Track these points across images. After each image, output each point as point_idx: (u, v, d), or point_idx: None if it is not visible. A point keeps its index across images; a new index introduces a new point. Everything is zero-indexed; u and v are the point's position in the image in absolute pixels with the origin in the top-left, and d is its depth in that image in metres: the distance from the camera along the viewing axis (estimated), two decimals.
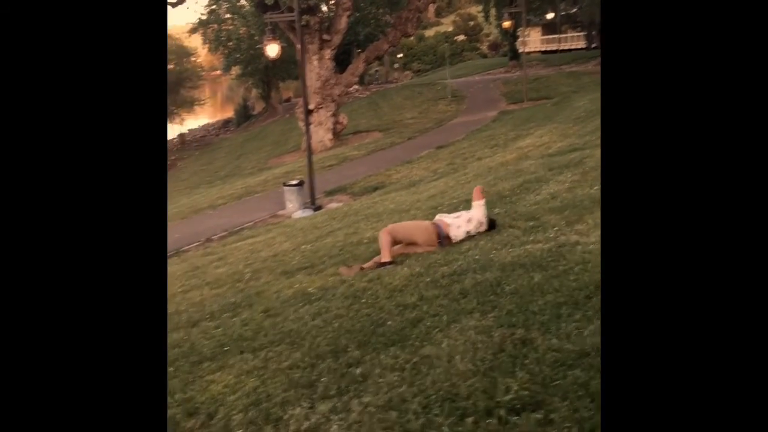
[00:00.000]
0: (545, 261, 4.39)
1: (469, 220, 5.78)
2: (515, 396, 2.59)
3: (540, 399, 2.53)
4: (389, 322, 3.89)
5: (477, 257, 4.92)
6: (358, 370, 3.28)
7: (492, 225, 5.89)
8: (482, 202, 5.84)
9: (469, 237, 5.71)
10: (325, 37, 23.96)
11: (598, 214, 5.41)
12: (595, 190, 6.45)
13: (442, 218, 5.90)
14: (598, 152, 9.36)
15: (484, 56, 69.22)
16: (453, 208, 6.85)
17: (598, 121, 15.04)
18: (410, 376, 3.05)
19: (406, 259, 5.46)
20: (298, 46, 15.09)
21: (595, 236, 4.72)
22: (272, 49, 14.84)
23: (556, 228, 5.28)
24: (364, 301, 4.46)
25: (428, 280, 4.59)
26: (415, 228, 5.83)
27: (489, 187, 8.37)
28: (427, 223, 5.91)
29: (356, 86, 36.62)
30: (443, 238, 5.69)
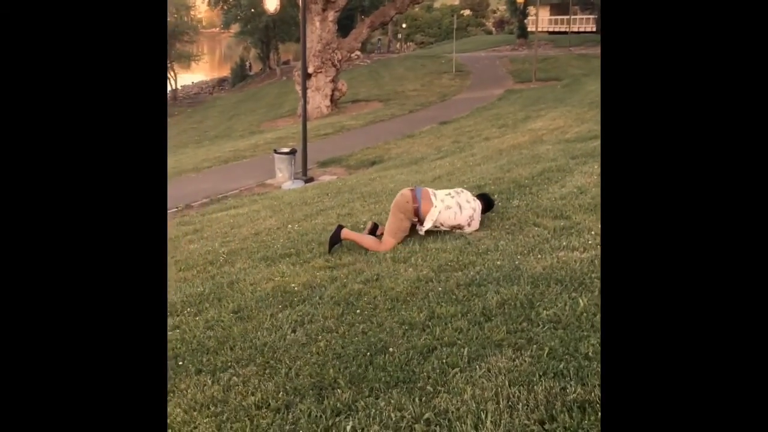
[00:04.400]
0: (588, 278, 3.50)
1: (460, 206, 4.95)
2: None
3: None
4: (391, 349, 3.00)
5: (499, 263, 4.02)
6: (349, 425, 2.40)
7: (490, 204, 5.23)
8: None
9: (468, 224, 4.92)
10: None
11: None
12: None
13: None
14: None
15: (489, 33, 68.24)
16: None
17: None
18: None
19: (410, 256, 4.54)
20: (300, 4, 14.06)
21: None
22: (271, 2, 13.80)
23: (593, 232, 4.38)
24: (359, 311, 3.57)
25: (440, 289, 3.69)
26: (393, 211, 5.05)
27: (503, 172, 7.45)
28: (403, 190, 5.12)
29: (358, 53, 35.36)
30: (419, 201, 4.92)
